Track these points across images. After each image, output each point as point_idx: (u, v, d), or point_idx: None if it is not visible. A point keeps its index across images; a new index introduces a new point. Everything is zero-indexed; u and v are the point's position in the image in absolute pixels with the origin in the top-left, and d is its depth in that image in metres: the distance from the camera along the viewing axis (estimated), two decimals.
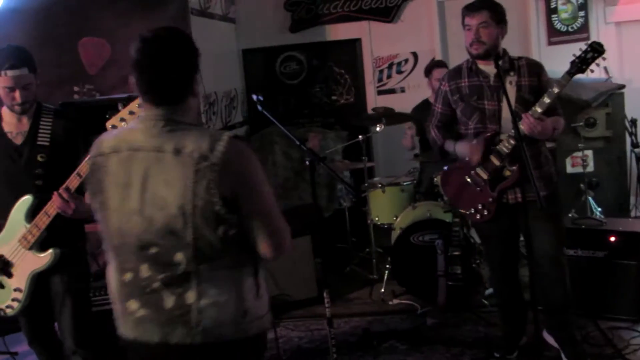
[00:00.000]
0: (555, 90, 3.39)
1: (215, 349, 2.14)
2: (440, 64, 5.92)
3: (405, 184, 5.52)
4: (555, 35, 7.19)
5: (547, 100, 3.40)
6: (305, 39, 7.50)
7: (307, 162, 3.13)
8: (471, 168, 3.67)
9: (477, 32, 3.56)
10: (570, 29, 7.14)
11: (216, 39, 6.95)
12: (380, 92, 7.49)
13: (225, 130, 2.19)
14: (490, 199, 3.64)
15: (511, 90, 3.54)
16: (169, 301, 2.12)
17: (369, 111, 7.16)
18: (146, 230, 2.10)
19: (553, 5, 7.17)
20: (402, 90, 7.49)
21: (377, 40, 7.49)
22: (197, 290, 2.11)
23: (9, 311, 3.29)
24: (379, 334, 4.48)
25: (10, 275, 3.25)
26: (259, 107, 3.26)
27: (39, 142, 3.24)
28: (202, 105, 5.96)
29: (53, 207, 3.10)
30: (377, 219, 5.49)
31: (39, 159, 3.22)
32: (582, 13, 7.08)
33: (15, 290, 3.24)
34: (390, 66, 7.50)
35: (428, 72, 5.84)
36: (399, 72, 7.50)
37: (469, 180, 3.70)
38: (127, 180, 2.12)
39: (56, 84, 4.90)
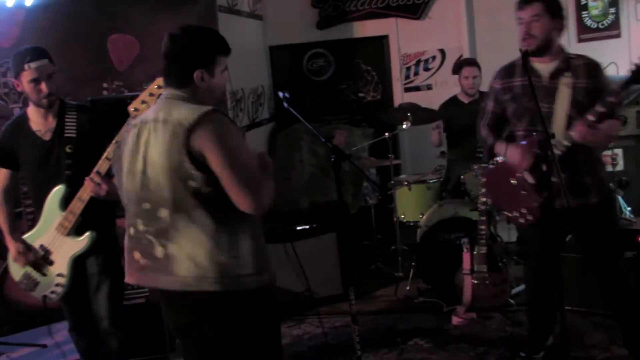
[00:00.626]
0: (612, 100, 3.20)
1: (196, 297, 2.47)
2: (470, 62, 5.87)
3: (431, 181, 5.50)
4: (585, 32, 7.10)
5: (601, 109, 3.20)
6: (333, 35, 7.49)
7: (332, 160, 3.12)
8: (517, 170, 3.52)
9: (529, 25, 3.37)
10: (600, 26, 7.05)
11: (243, 36, 6.97)
12: (407, 89, 7.46)
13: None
14: (536, 204, 3.45)
15: (565, 92, 3.36)
16: (159, 251, 2.50)
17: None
18: (142, 188, 2.51)
19: (583, 1, 7.07)
20: (429, 87, 7.45)
21: (404, 37, 7.45)
22: (176, 243, 2.47)
23: (53, 296, 3.47)
24: (403, 331, 4.48)
25: (51, 263, 3.43)
26: (285, 104, 3.27)
27: (66, 135, 3.40)
28: (229, 102, 5.98)
29: (86, 192, 3.27)
30: (403, 216, 5.48)
31: (68, 150, 3.38)
32: (612, 10, 6.98)
33: (58, 275, 3.42)
34: (417, 63, 7.47)
35: (457, 69, 5.80)
36: (426, 69, 7.46)
37: (514, 182, 3.52)
38: (134, 147, 2.53)
39: (85, 80, 4.95)
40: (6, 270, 4.69)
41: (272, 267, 2.69)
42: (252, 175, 2.46)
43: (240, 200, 2.41)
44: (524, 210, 3.51)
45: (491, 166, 3.84)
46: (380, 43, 7.46)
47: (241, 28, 6.91)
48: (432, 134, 5.72)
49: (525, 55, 3.33)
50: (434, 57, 7.45)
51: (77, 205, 3.31)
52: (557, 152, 3.31)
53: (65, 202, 3.34)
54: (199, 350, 2.61)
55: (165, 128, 2.45)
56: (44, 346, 4.75)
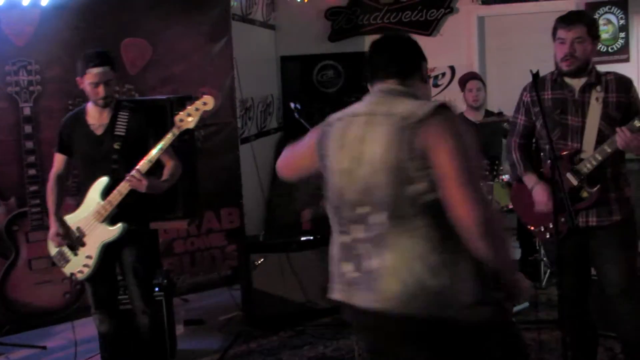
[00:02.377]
0: None
1: (400, 321, 2.10)
2: (474, 76, 5.88)
3: None
4: (595, 56, 7.08)
5: (596, 122, 3.24)
6: (344, 48, 7.50)
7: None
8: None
9: (572, 47, 3.34)
10: (610, 50, 7.06)
11: (256, 45, 6.98)
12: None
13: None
14: (562, 219, 3.31)
15: (597, 107, 3.34)
16: (373, 262, 2.14)
17: None
18: (356, 189, 2.17)
19: None
20: None
21: None
22: (390, 254, 2.11)
23: (79, 275, 3.78)
24: None
25: (83, 245, 3.75)
26: (296, 115, 3.27)
27: (116, 133, 3.70)
28: (238, 110, 5.99)
29: (126, 186, 3.60)
30: None
31: (116, 146, 3.67)
32: (622, 34, 6.99)
33: (86, 257, 3.73)
34: None
35: (463, 84, 5.79)
36: (436, 85, 7.46)
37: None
38: (342, 142, 2.24)
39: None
40: (7, 271, 4.73)
41: (502, 298, 2.20)
42: (481, 187, 2.10)
43: (465, 210, 2.01)
44: (550, 225, 3.44)
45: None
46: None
47: (254, 37, 6.92)
48: None
49: (536, 77, 3.30)
50: (444, 74, 7.44)
51: (116, 197, 3.62)
52: (587, 167, 3.31)
53: (106, 193, 3.65)
54: None
55: (386, 121, 2.15)
56: (44, 348, 4.72)
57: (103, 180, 3.67)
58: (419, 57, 2.39)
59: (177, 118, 3.60)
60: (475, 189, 2.03)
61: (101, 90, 3.64)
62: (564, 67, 3.38)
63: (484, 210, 2.01)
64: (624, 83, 3.41)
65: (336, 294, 2.29)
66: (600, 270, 3.48)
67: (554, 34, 3.42)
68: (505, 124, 5.30)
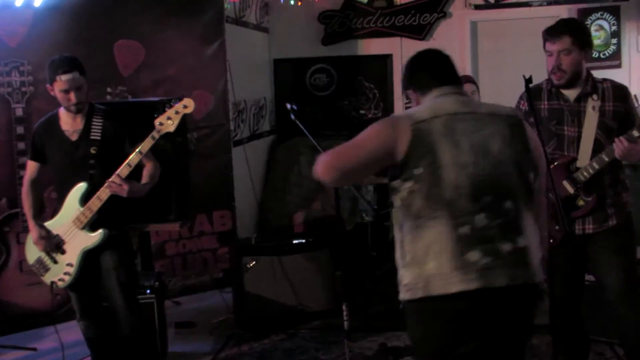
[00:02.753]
0: None
1: (537, 290, 2.42)
2: (467, 79, 5.88)
3: None
4: (588, 63, 7.12)
5: (593, 131, 3.25)
6: (337, 52, 7.50)
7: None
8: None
9: (558, 59, 3.33)
10: (602, 56, 7.10)
11: (249, 48, 6.99)
12: (408, 108, 7.45)
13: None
14: (557, 227, 3.37)
15: (593, 116, 3.32)
16: (507, 246, 2.34)
17: None
18: (480, 181, 2.34)
19: None
20: None
21: (408, 57, 7.44)
22: (525, 234, 2.38)
23: (60, 283, 3.74)
24: (395, 348, 4.44)
25: (63, 252, 3.70)
26: (292, 116, 3.28)
27: (91, 137, 3.65)
28: (231, 113, 5.99)
29: (105, 192, 3.56)
30: None
31: (92, 151, 3.63)
32: (614, 40, 7.03)
33: (67, 265, 3.70)
34: None
35: None
36: None
37: None
38: (454, 138, 2.37)
39: (89, 84, 4.92)
40: None
41: None
42: None
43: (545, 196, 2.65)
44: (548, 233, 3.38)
45: None
46: (383, 61, 7.48)
47: (247, 40, 6.92)
48: None
49: (528, 82, 3.28)
50: None
51: (95, 203, 3.59)
52: (584, 175, 3.30)
53: (85, 199, 3.61)
54: (510, 347, 2.49)
55: (493, 120, 2.45)
56: (34, 349, 4.70)
57: (81, 186, 3.63)
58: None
59: (156, 121, 3.56)
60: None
61: (72, 96, 3.59)
62: (554, 80, 3.39)
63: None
64: (621, 91, 3.39)
65: (460, 285, 2.31)
66: (599, 276, 3.48)
67: (544, 45, 3.43)
68: None
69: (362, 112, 7.53)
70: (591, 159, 3.32)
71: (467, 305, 2.32)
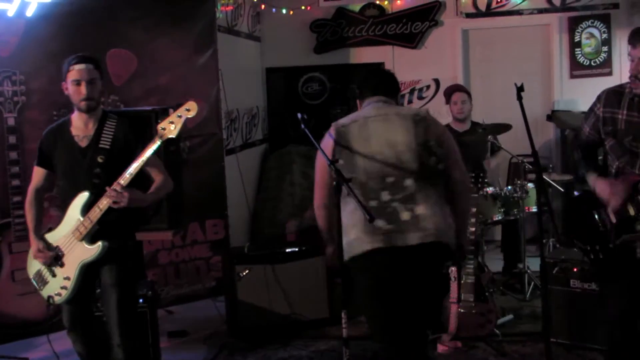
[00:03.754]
0: None
1: (438, 247, 3.08)
2: (459, 88, 5.92)
3: None
4: (577, 69, 7.19)
5: None
6: (329, 60, 7.54)
7: (335, 183, 3.08)
8: (603, 205, 3.21)
9: (637, 67, 3.05)
10: (592, 63, 7.15)
11: (241, 57, 7.01)
12: None
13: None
14: (610, 245, 3.17)
15: None
16: (406, 215, 3.04)
17: None
18: (385, 166, 3.07)
19: (577, 39, 7.17)
20: None
21: (400, 65, 7.50)
22: (422, 205, 3.04)
23: (57, 298, 3.56)
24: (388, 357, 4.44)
25: (62, 265, 3.53)
26: (302, 125, 3.32)
27: (100, 145, 3.52)
28: (224, 121, 5.99)
29: (105, 201, 3.39)
30: None
31: (99, 160, 3.49)
32: (605, 48, 7.09)
33: (64, 278, 3.52)
34: (412, 91, 7.52)
35: (448, 96, 5.83)
36: (420, 97, 7.52)
37: (595, 215, 3.24)
38: (366, 136, 3.17)
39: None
40: None
41: None
42: (463, 169, 3.25)
43: (461, 174, 3.22)
44: (596, 247, 3.26)
45: (576, 193, 3.59)
46: None
47: (239, 49, 6.94)
48: None
49: (520, 90, 3.20)
50: (428, 86, 7.50)
51: (95, 213, 3.42)
52: None
53: (87, 209, 3.46)
54: (417, 295, 3.14)
55: (400, 118, 3.19)
56: (26, 359, 4.68)
57: (84, 196, 3.47)
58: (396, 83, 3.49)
59: (159, 127, 3.35)
60: (460, 163, 3.22)
61: (83, 88, 3.44)
62: (634, 89, 3.13)
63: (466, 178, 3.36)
64: None
65: (370, 245, 3.05)
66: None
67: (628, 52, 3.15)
68: (489, 136, 5.35)
69: None
70: None
71: (379, 260, 3.04)
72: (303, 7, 7.44)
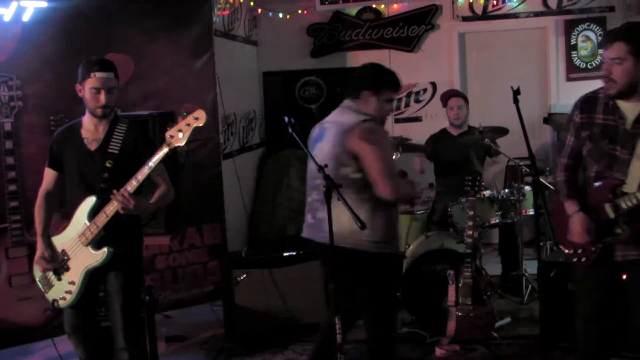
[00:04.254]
0: None
1: (340, 251, 3.26)
2: (456, 93, 5.92)
3: (418, 212, 5.49)
4: (574, 72, 7.21)
5: None
6: (326, 64, 7.55)
7: (324, 188, 3.10)
8: (586, 208, 3.26)
9: (609, 68, 3.10)
10: (589, 66, 7.17)
11: (238, 61, 7.01)
12: (397, 120, 7.50)
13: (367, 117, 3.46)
14: (593, 249, 3.25)
15: None
16: (320, 214, 3.41)
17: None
18: (315, 170, 3.25)
19: (573, 42, 7.19)
20: (419, 119, 7.50)
21: (396, 69, 7.35)
22: (331, 209, 3.17)
23: (61, 302, 3.55)
24: None
25: (67, 269, 3.53)
26: (290, 129, 3.31)
27: (109, 150, 3.52)
28: (221, 126, 5.99)
29: (111, 207, 3.38)
30: None
31: (107, 164, 3.49)
32: (601, 51, 7.08)
33: (69, 283, 3.52)
34: (408, 95, 7.53)
35: (444, 101, 5.84)
36: (417, 101, 7.52)
37: None
38: (313, 140, 3.58)
39: (79, 97, 4.93)
40: None
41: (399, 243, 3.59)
42: (387, 177, 3.32)
43: (379, 191, 3.32)
44: (580, 250, 3.31)
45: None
46: (390, 74, 7.49)
47: (236, 53, 6.94)
48: (414, 162, 5.62)
49: (516, 94, 3.27)
50: (425, 90, 7.51)
51: (102, 218, 3.41)
52: (627, 204, 3.12)
53: (94, 214, 3.45)
54: (344, 292, 3.48)
55: (333, 127, 3.47)
56: None
57: (91, 200, 3.46)
58: (367, 83, 3.58)
59: (167, 134, 3.31)
60: (386, 171, 3.32)
61: (102, 97, 3.46)
62: (607, 90, 3.17)
63: (391, 188, 3.34)
64: None
65: (304, 233, 3.62)
66: (632, 301, 3.31)
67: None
68: (486, 140, 5.35)
69: None
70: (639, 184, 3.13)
71: (312, 248, 3.55)
72: (300, 11, 7.45)
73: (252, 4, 7.28)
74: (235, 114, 6.71)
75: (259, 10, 7.43)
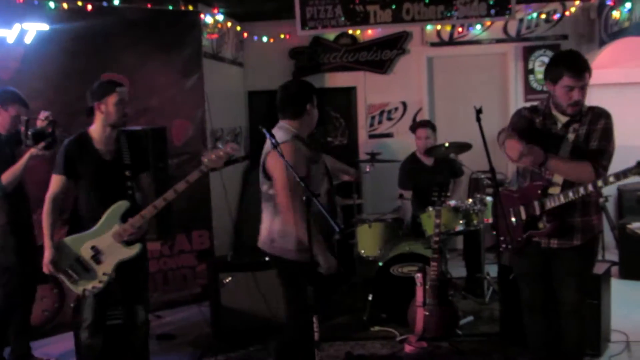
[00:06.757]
0: (601, 148, 3.22)
1: (270, 256, 3.57)
2: (424, 124, 5.94)
3: (390, 220, 5.53)
4: (531, 93, 7.30)
5: (566, 155, 3.28)
6: None
7: (304, 198, 3.12)
8: (518, 203, 3.46)
9: (579, 94, 3.25)
10: (544, 89, 7.20)
11: (225, 80, 7.02)
12: (371, 136, 7.55)
13: (287, 139, 3.53)
14: (519, 238, 3.45)
15: (570, 141, 3.32)
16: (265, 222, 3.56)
17: (361, 152, 7.23)
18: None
19: (530, 66, 7.30)
20: (391, 135, 7.55)
21: (370, 89, 7.58)
22: (264, 220, 3.55)
23: (93, 290, 3.70)
24: (360, 357, 4.45)
25: (100, 262, 3.68)
26: (267, 135, 3.38)
27: (125, 162, 3.75)
28: (209, 140, 5.99)
29: (148, 212, 3.68)
30: (363, 251, 5.48)
31: (127, 174, 3.74)
32: None
33: (103, 274, 3.69)
34: (381, 113, 7.58)
35: (413, 130, 5.89)
36: (389, 119, 7.58)
37: (511, 210, 3.50)
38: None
39: (77, 114, 4.89)
40: None
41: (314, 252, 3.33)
42: (284, 195, 3.38)
43: (280, 199, 3.38)
44: (508, 238, 3.50)
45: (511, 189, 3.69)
46: (348, 93, 7.57)
47: (224, 73, 6.95)
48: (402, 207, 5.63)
49: (479, 112, 3.31)
50: (396, 108, 7.56)
51: (138, 220, 3.68)
52: (548, 202, 3.32)
53: (124, 216, 3.68)
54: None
55: (265, 147, 3.53)
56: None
57: (123, 204, 3.68)
58: (297, 102, 3.82)
59: (203, 159, 3.84)
60: (285, 193, 3.36)
61: (125, 109, 3.71)
62: (569, 110, 3.30)
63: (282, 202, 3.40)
64: (598, 115, 3.33)
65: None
66: (556, 287, 3.49)
67: (556, 78, 3.29)
68: (452, 154, 5.40)
69: (329, 139, 7.60)
70: (562, 184, 3.33)
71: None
72: (282, 36, 7.48)
73: (238, 28, 7.31)
74: (222, 129, 6.71)
75: (245, 35, 7.45)
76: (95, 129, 3.73)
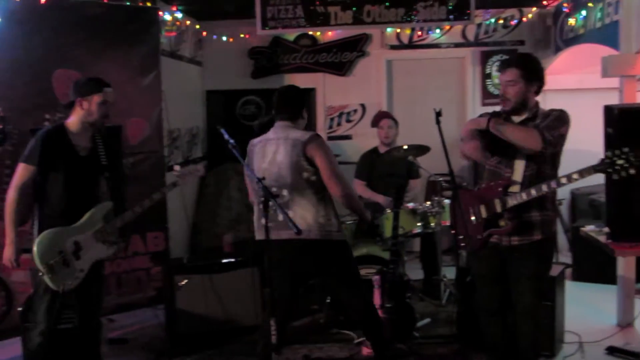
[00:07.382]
0: (548, 125, 3.32)
1: (304, 242, 3.58)
2: (387, 115, 6.00)
3: (348, 222, 5.51)
4: (488, 98, 7.39)
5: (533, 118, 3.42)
6: (265, 85, 7.52)
7: (262, 199, 3.10)
8: (477, 202, 3.54)
9: (505, 89, 3.44)
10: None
11: (183, 79, 6.92)
12: (330, 138, 7.53)
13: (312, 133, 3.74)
14: (479, 237, 3.52)
15: None
16: (280, 217, 3.58)
17: None
18: (271, 179, 3.60)
19: (488, 71, 7.39)
20: (350, 137, 7.56)
21: (330, 91, 7.57)
22: (294, 210, 3.61)
23: (70, 284, 3.65)
24: None
25: (78, 258, 3.69)
26: (226, 136, 3.35)
27: (102, 162, 3.76)
28: (166, 140, 5.89)
29: (128, 217, 3.81)
30: None
31: (105, 175, 3.78)
32: None
33: (80, 270, 3.69)
34: (340, 115, 7.57)
35: (376, 122, 5.89)
36: (348, 120, 7.58)
37: (470, 209, 3.58)
38: (262, 154, 3.75)
39: (29, 110, 4.77)
40: None
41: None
42: (341, 175, 3.66)
43: (332, 191, 3.64)
44: (467, 238, 3.55)
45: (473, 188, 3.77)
46: (308, 95, 7.53)
47: (181, 72, 6.85)
48: (384, 202, 5.63)
49: (438, 115, 3.36)
50: (355, 111, 7.57)
51: (118, 223, 3.79)
52: (509, 201, 3.39)
53: (108, 216, 3.77)
54: (298, 278, 3.82)
55: (285, 142, 3.68)
56: None
57: (107, 205, 3.78)
58: (298, 105, 3.89)
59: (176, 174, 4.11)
60: (337, 178, 3.63)
61: (108, 109, 3.72)
62: (502, 106, 3.50)
63: (343, 189, 3.66)
64: (551, 112, 3.43)
65: (259, 236, 3.72)
66: (512, 289, 3.54)
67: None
68: (410, 157, 5.42)
69: None
70: (522, 182, 3.41)
71: (267, 247, 3.28)
72: (242, 35, 7.41)
73: (197, 27, 7.21)
74: (179, 129, 6.61)
75: (204, 33, 7.36)
76: (73, 124, 3.71)
